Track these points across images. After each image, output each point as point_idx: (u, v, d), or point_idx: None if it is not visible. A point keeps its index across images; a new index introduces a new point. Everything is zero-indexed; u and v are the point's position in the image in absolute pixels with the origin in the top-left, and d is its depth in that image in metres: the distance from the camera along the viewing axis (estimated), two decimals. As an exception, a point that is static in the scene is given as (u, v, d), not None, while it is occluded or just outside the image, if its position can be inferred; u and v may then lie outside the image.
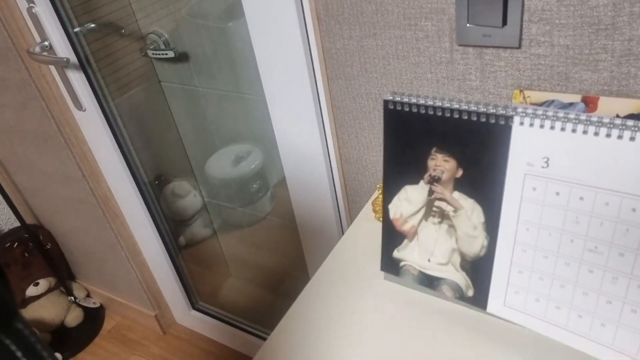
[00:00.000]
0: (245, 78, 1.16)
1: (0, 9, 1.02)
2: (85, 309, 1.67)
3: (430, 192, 0.52)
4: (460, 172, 0.49)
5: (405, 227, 0.56)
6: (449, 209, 0.52)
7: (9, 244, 1.53)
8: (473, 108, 0.47)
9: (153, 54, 1.18)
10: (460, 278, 0.54)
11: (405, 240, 0.56)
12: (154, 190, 1.40)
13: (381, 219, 0.70)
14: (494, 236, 0.50)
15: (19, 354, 0.26)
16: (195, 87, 1.26)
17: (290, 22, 0.70)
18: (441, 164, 0.50)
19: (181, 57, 1.19)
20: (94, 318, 1.67)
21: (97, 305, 1.70)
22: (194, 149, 1.45)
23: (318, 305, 0.61)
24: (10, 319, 0.26)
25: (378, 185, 0.73)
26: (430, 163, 0.51)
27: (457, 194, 0.50)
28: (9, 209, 1.48)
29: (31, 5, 0.98)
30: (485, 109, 0.46)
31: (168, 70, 1.25)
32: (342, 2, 0.65)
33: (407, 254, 0.57)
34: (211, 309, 1.55)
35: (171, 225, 1.49)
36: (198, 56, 1.17)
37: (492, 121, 0.46)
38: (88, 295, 1.72)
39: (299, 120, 0.81)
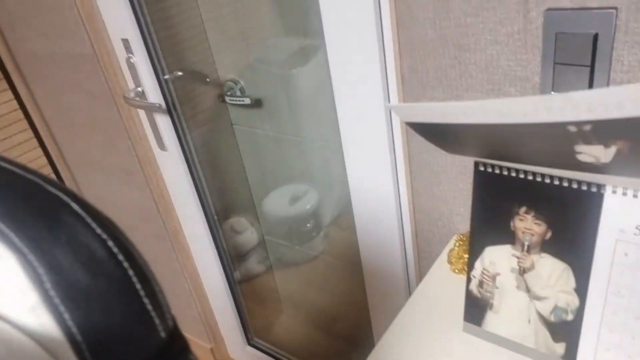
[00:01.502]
0: (312, 124, 1.22)
1: (101, 57, 1.13)
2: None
3: (517, 258, 0.55)
4: (549, 234, 0.52)
5: (488, 289, 0.58)
6: (532, 273, 0.54)
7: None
8: (561, 174, 0.49)
9: (230, 100, 1.26)
10: (545, 337, 0.55)
11: (490, 303, 0.58)
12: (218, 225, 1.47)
13: (457, 270, 0.72)
14: (584, 298, 0.51)
15: None
16: (264, 131, 1.33)
17: (374, 80, 0.76)
18: (531, 226, 0.52)
19: (255, 104, 1.27)
20: (151, 347, 1.72)
21: (155, 334, 1.75)
22: (255, 188, 1.51)
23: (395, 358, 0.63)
24: (187, 352, 0.30)
25: (455, 237, 0.76)
26: (519, 224, 0.53)
27: (545, 256, 0.53)
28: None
29: (130, 55, 1.09)
30: (579, 177, 0.49)
31: (240, 114, 1.34)
32: (427, 66, 0.70)
33: (491, 318, 0.59)
34: (266, 345, 1.57)
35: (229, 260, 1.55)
36: (269, 102, 1.25)
37: (584, 188, 0.48)
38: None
39: (373, 169, 0.85)
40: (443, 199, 0.81)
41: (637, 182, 0.44)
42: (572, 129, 0.37)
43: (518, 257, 0.54)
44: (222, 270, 1.45)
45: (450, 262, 0.74)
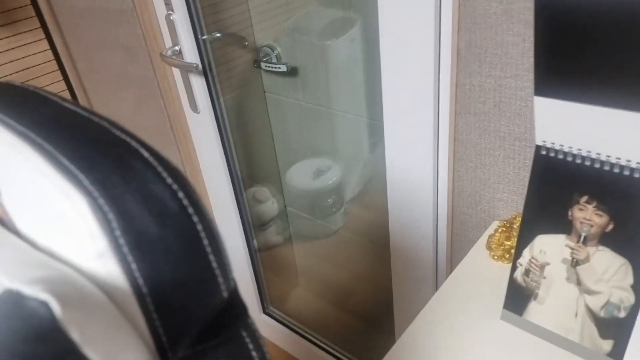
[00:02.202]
0: (346, 97, 1.19)
1: (141, 13, 1.10)
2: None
3: (571, 249, 0.52)
4: (611, 227, 0.49)
5: (535, 278, 0.56)
6: (586, 266, 0.51)
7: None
8: (632, 164, 0.46)
9: (266, 66, 1.24)
10: (592, 332, 0.53)
11: (534, 292, 0.56)
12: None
13: (496, 257, 0.70)
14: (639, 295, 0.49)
15: (250, 346, 0.29)
16: (296, 100, 1.31)
17: (426, 54, 0.72)
18: (592, 217, 0.50)
19: (291, 72, 1.24)
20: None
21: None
22: (281, 158, 1.50)
23: (425, 342, 0.62)
24: (246, 316, 0.29)
25: (498, 223, 0.73)
26: (578, 214, 0.51)
27: (602, 249, 0.50)
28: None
29: (170, 12, 1.06)
30: (649, 168, 0.46)
31: (273, 81, 1.31)
32: (487, 42, 0.66)
33: (534, 308, 0.57)
34: (280, 315, 1.58)
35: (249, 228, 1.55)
36: (303, 71, 1.22)
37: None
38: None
39: (414, 147, 0.83)
40: (486, 182, 0.78)
41: None
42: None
43: (572, 248, 0.52)
44: (243, 236, 1.44)
45: (489, 247, 0.71)
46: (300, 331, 1.51)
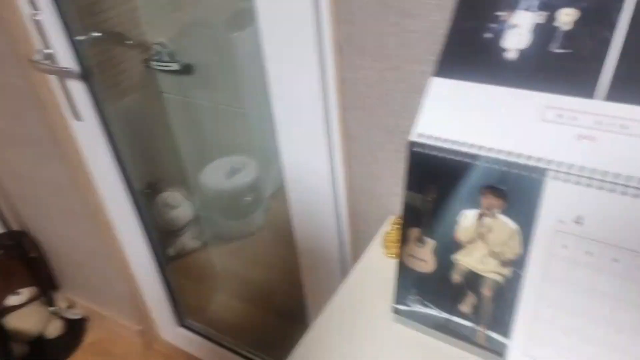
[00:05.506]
0: (247, 93, 1.14)
1: (4, 15, 0.99)
2: (67, 321, 1.61)
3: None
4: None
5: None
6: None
7: (-9, 250, 1.48)
8: (503, 157, 0.45)
9: (157, 65, 1.15)
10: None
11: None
12: (146, 199, 1.37)
13: (391, 255, 0.69)
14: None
15: None
16: (196, 100, 1.24)
17: (307, 47, 0.69)
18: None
19: (185, 70, 1.17)
20: (75, 330, 1.62)
21: (80, 316, 1.64)
22: (189, 160, 1.43)
23: (325, 347, 0.59)
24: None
25: (391, 221, 0.72)
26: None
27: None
28: (-6, 214, 1.43)
29: (35, 12, 0.95)
30: (517, 160, 0.45)
31: (170, 81, 1.23)
32: (366, 35, 0.64)
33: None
34: (199, 326, 1.51)
35: (161, 236, 1.46)
36: (201, 68, 1.15)
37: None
38: (71, 307, 1.66)
39: (308, 144, 0.80)
40: (380, 177, 0.76)
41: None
42: None
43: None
44: (150, 247, 1.36)
45: (385, 246, 0.70)
46: (219, 340, 1.45)
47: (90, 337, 1.62)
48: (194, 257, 1.57)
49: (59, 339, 1.58)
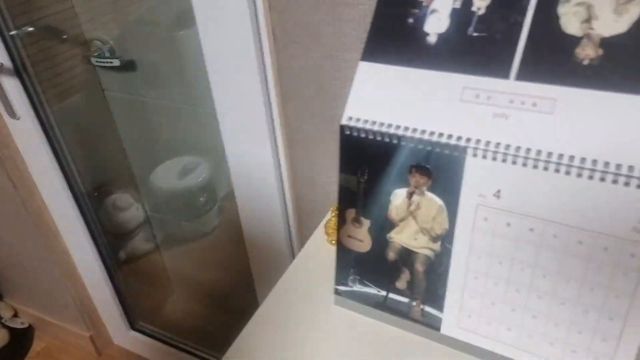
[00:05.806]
0: (194, 90, 1.13)
1: None
2: (12, 330, 1.55)
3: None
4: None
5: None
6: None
7: None
8: (427, 137, 0.47)
9: (97, 61, 1.13)
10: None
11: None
12: (93, 202, 1.33)
13: (333, 242, 0.70)
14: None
15: None
16: (142, 97, 1.22)
17: (245, 40, 0.69)
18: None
19: (127, 66, 1.15)
20: (21, 339, 1.55)
21: (26, 325, 1.58)
22: (138, 161, 1.40)
23: (267, 334, 0.59)
24: None
25: (332, 208, 0.73)
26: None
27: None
28: None
29: (-38, 4, 0.91)
30: (439, 140, 0.47)
31: (113, 78, 1.21)
32: (301, 24, 0.65)
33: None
34: (151, 329, 1.48)
35: (111, 240, 1.42)
36: (145, 65, 1.13)
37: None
38: (15, 315, 1.60)
39: (251, 137, 0.80)
40: (322, 166, 0.77)
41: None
42: None
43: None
44: (97, 252, 1.32)
45: (327, 233, 0.71)
46: (171, 342, 1.43)
47: (38, 346, 1.56)
48: (147, 260, 1.53)
49: (4, 349, 1.51)
